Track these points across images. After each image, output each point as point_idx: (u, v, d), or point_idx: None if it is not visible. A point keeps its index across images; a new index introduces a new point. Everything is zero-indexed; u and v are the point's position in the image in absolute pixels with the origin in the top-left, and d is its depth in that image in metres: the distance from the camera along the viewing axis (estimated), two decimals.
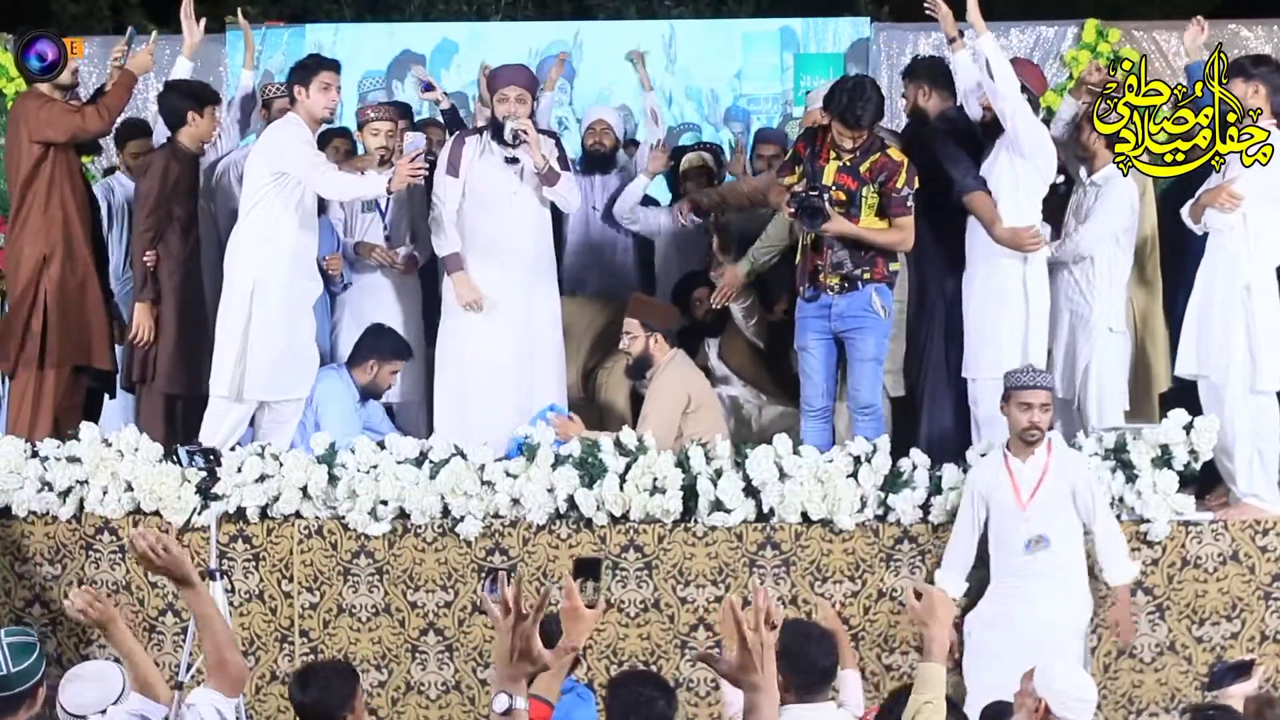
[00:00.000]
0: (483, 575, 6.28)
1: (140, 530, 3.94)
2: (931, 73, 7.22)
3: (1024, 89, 6.72)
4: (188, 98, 7.17)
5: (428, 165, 6.75)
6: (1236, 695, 4.66)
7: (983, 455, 6.38)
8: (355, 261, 7.49)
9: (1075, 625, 6.00)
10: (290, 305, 6.79)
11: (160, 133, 7.40)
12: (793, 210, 6.57)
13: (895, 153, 6.61)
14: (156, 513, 6.46)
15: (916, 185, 6.62)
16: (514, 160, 7.00)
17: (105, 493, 6.51)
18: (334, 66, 6.88)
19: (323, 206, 7.25)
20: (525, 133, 6.86)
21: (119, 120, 7.29)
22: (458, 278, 6.98)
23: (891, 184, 6.54)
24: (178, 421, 7.10)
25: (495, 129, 7.02)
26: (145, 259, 7.08)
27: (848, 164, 6.58)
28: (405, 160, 6.58)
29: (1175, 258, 7.25)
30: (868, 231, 6.58)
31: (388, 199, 7.44)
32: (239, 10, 7.82)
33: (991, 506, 6.10)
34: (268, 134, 6.94)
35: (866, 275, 6.63)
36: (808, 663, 4.40)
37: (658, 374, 6.95)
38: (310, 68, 6.81)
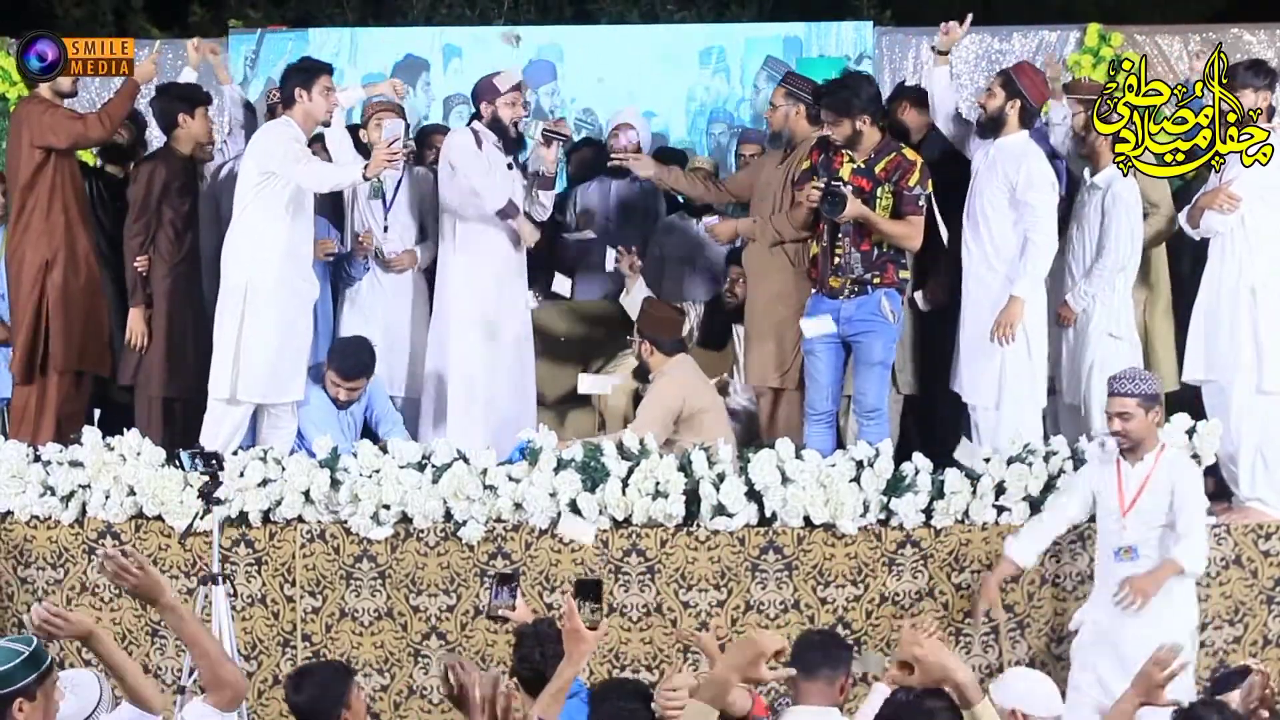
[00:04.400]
0: (485, 581, 6.27)
1: (112, 549, 3.97)
2: (915, 96, 7.48)
3: (1021, 96, 6.71)
4: (179, 100, 7.21)
5: (407, 151, 6.80)
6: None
7: (986, 460, 6.38)
8: (354, 259, 7.50)
9: (1176, 641, 5.76)
10: (284, 307, 6.80)
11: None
12: (815, 201, 6.62)
13: (910, 153, 6.70)
14: (159, 517, 6.47)
15: (929, 187, 6.66)
16: (510, 166, 7.16)
17: (107, 497, 6.51)
18: (330, 70, 6.95)
19: (319, 206, 7.27)
20: (555, 133, 7.14)
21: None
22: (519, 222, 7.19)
23: (904, 182, 6.61)
24: (176, 425, 7.11)
25: (500, 133, 7.12)
26: (136, 264, 7.10)
27: (862, 165, 6.64)
28: (383, 145, 6.63)
29: (1180, 260, 7.29)
30: (881, 220, 6.62)
31: (395, 192, 7.48)
32: (228, 24, 7.84)
33: (1098, 505, 5.93)
34: (256, 136, 6.99)
35: (876, 280, 6.66)
36: (810, 666, 4.40)
37: (655, 379, 7.00)
38: (311, 71, 6.87)
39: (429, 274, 7.56)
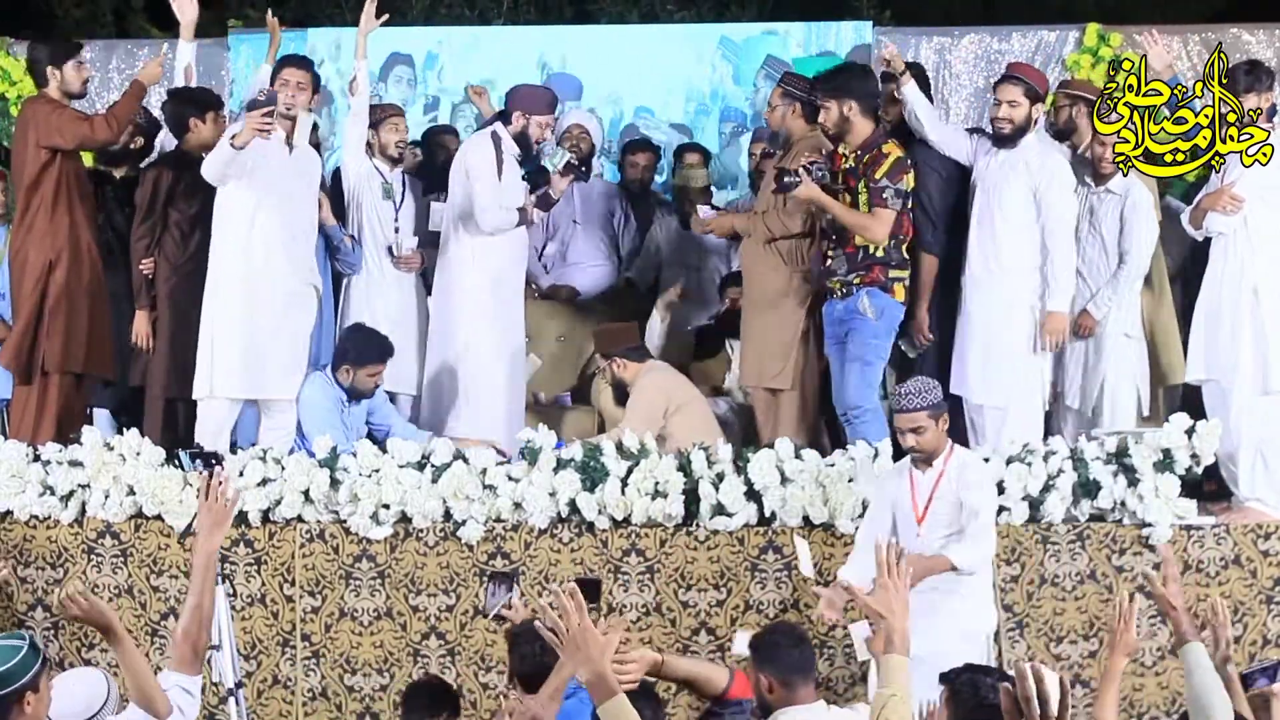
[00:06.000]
0: (484, 580, 6.27)
1: (67, 591, 4.19)
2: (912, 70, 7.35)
3: (1041, 98, 6.75)
4: (189, 104, 7.21)
5: (271, 122, 6.69)
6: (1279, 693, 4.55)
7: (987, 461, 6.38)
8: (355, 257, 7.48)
9: (972, 641, 5.66)
10: (259, 301, 6.79)
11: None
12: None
13: (889, 147, 6.64)
14: (159, 517, 6.47)
15: (909, 184, 6.63)
16: (524, 178, 7.31)
17: (107, 497, 6.51)
18: (296, 63, 7.00)
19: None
20: (576, 168, 7.35)
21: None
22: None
23: (871, 174, 6.58)
24: (178, 425, 7.11)
25: (523, 146, 7.25)
26: (142, 267, 7.11)
27: (853, 164, 6.63)
28: (256, 114, 6.59)
29: (1192, 260, 7.29)
30: (836, 205, 6.61)
31: (403, 193, 7.51)
32: (269, 9, 7.79)
33: (897, 516, 5.81)
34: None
35: (858, 280, 6.64)
36: (805, 667, 4.40)
37: (635, 383, 7.09)
38: (275, 69, 6.95)
39: (424, 275, 7.58)
